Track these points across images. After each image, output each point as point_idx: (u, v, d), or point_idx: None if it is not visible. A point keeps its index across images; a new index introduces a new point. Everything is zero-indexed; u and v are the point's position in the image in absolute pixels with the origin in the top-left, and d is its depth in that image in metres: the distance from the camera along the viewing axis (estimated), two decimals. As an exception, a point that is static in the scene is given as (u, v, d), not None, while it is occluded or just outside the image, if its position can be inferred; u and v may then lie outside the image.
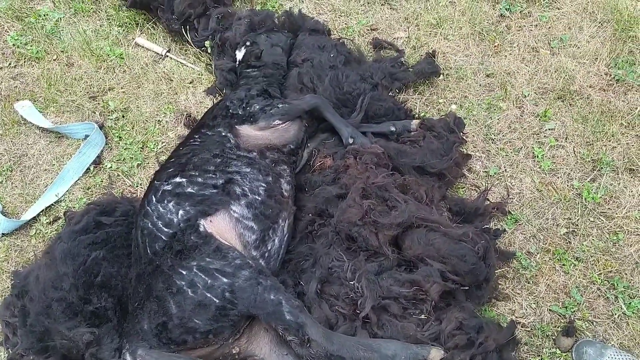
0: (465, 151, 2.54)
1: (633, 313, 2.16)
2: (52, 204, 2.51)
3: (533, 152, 2.55)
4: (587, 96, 2.69)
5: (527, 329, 2.15)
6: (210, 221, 1.97)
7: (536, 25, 2.96)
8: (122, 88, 2.86)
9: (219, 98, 2.73)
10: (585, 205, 2.40)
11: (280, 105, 2.35)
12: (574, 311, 2.18)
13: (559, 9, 3.01)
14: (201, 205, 1.98)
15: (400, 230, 2.05)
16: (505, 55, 2.86)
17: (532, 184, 2.48)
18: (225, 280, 1.81)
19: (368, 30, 3.00)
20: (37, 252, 2.31)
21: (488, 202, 2.37)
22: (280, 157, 2.28)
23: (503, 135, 2.62)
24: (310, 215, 2.22)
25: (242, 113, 2.32)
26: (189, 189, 2.02)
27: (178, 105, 2.80)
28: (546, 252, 2.30)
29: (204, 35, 2.92)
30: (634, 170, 2.49)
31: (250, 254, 2.00)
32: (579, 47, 2.86)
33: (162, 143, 2.68)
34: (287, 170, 2.27)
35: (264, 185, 2.12)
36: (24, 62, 2.95)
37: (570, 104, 2.69)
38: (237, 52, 2.76)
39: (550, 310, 2.19)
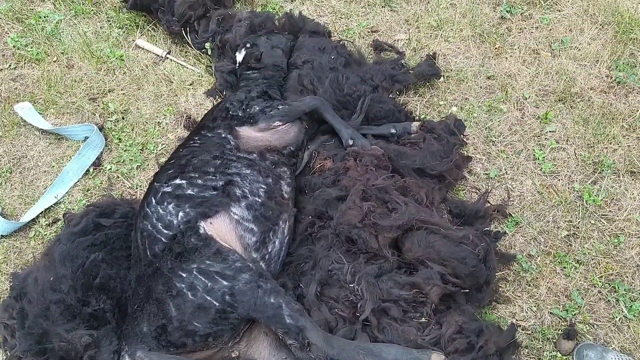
0: (465, 153, 2.53)
1: (634, 316, 2.15)
2: (52, 206, 2.50)
3: (534, 155, 2.55)
4: (588, 98, 2.69)
5: (527, 332, 2.14)
6: (211, 223, 1.96)
7: (537, 28, 2.95)
8: (122, 90, 2.86)
9: (219, 100, 2.73)
10: (586, 207, 2.39)
11: (280, 107, 2.34)
12: (575, 314, 2.17)
13: (559, 11, 3.01)
14: (201, 207, 1.97)
15: (400, 232, 2.05)
16: (506, 58, 2.85)
17: (533, 187, 2.47)
18: (225, 283, 1.81)
19: (368, 32, 2.99)
20: (36, 254, 2.30)
21: (488, 205, 2.36)
22: (280, 158, 2.27)
23: (504, 138, 2.61)
24: (310, 217, 2.22)
25: (242, 115, 2.32)
26: (189, 191, 2.02)
27: (178, 107, 2.79)
28: (547, 255, 2.29)
29: (204, 37, 2.92)
30: (635, 172, 2.48)
31: (251, 256, 2.00)
32: (580, 50, 2.85)
33: (162, 145, 2.68)
34: (287, 172, 2.26)
35: (264, 187, 2.11)
36: (24, 63, 2.95)
37: (571, 106, 2.68)
38: (237, 54, 2.75)
39: (551, 313, 2.18)
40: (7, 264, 2.36)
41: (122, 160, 2.64)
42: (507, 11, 2.99)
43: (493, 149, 2.58)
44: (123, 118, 2.77)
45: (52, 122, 2.75)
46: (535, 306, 2.19)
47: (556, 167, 2.51)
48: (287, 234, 2.15)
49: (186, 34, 2.93)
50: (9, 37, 3.01)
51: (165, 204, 1.99)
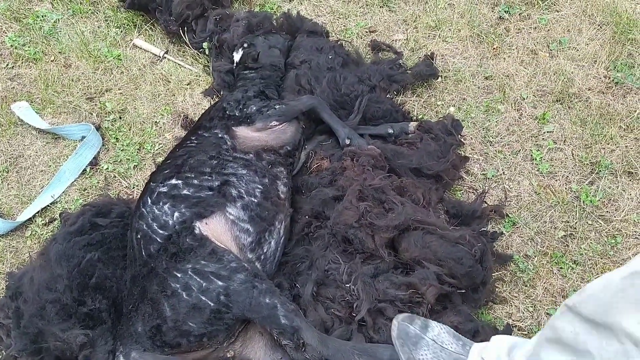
0: (463, 153, 2.53)
1: (631, 317, 2.14)
2: (48, 205, 2.50)
3: (531, 155, 2.54)
4: (586, 99, 2.68)
5: (524, 333, 2.13)
6: (206, 223, 1.96)
7: (535, 28, 2.95)
8: (119, 89, 2.85)
9: (216, 99, 2.72)
10: (584, 208, 2.39)
11: (277, 107, 2.34)
12: (572, 315, 2.16)
13: (558, 11, 3.00)
14: (197, 207, 1.97)
15: (396, 232, 2.04)
16: (504, 58, 2.85)
17: (530, 187, 2.46)
18: (220, 283, 1.80)
19: (366, 32, 2.99)
20: (32, 254, 2.29)
21: (485, 205, 2.36)
22: (277, 158, 2.27)
23: (501, 138, 2.60)
24: (306, 217, 2.21)
25: (238, 114, 2.31)
26: (185, 191, 2.01)
27: (175, 107, 2.79)
28: (544, 255, 2.29)
29: (202, 36, 2.91)
30: (632, 173, 2.48)
31: (246, 256, 1.99)
32: (578, 50, 2.85)
33: (159, 144, 2.67)
34: (283, 172, 2.26)
35: (260, 187, 2.11)
36: (22, 63, 2.95)
37: (569, 107, 2.68)
38: (234, 53, 2.75)
39: (547, 313, 2.17)
40: (3, 264, 2.36)
41: (119, 160, 2.63)
42: (505, 11, 2.99)
43: (490, 149, 2.57)
44: (120, 117, 2.76)
45: (49, 122, 2.75)
46: (531, 307, 2.18)
47: (553, 168, 2.51)
48: (283, 234, 2.15)
49: (184, 34, 2.93)
50: (6, 36, 3.01)
51: (161, 204, 1.99)
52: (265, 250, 2.05)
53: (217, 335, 1.82)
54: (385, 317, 1.92)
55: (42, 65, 2.92)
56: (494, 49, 2.88)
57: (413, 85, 2.76)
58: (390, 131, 2.47)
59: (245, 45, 2.71)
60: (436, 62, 2.81)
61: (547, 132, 2.60)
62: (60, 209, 2.49)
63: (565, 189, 2.45)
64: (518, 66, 2.82)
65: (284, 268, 2.14)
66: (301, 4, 3.12)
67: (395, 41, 2.94)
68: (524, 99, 2.70)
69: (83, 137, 2.63)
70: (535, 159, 2.52)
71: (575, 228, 2.34)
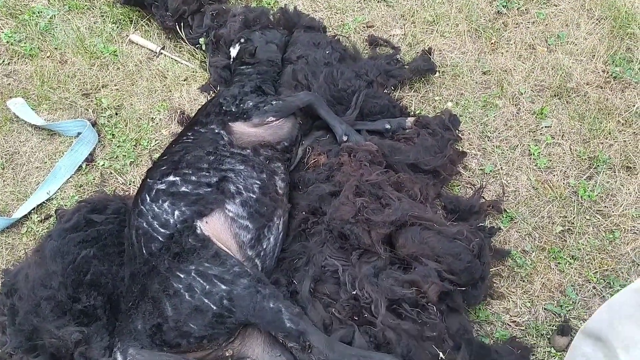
0: (460, 149, 2.52)
1: (629, 312, 2.14)
2: (44, 202, 2.49)
3: (529, 150, 2.53)
4: (584, 94, 2.67)
5: (521, 328, 2.13)
6: (207, 222, 1.94)
7: (533, 22, 2.93)
8: (115, 85, 2.84)
9: (213, 95, 2.71)
10: (582, 203, 2.38)
11: (274, 102, 2.33)
12: (569, 310, 2.16)
13: (556, 5, 2.99)
14: (196, 205, 1.96)
15: (393, 228, 2.03)
16: (502, 53, 2.84)
17: (528, 182, 2.45)
18: (223, 287, 1.79)
19: (364, 27, 2.98)
20: (27, 250, 2.28)
21: (483, 200, 2.35)
22: (274, 154, 2.25)
23: (499, 133, 2.59)
24: (303, 213, 2.20)
25: (235, 110, 2.30)
26: (183, 188, 2.00)
27: (172, 103, 2.78)
28: (541, 251, 2.28)
29: (199, 32, 2.89)
30: (630, 168, 2.47)
31: (246, 253, 1.99)
32: (576, 45, 2.84)
33: (156, 141, 2.66)
34: (281, 168, 2.24)
35: (258, 182, 2.10)
36: (18, 59, 2.93)
37: (567, 102, 2.67)
38: (231, 49, 2.74)
39: (545, 309, 2.17)
40: (-1, 261, 2.36)
41: (115, 156, 2.62)
42: (503, 6, 2.97)
43: (488, 144, 2.56)
44: (116, 114, 2.75)
45: (45, 118, 2.74)
46: (529, 302, 2.18)
47: (551, 163, 2.50)
48: (281, 230, 2.14)
49: (180, 29, 2.91)
50: (2, 32, 2.99)
51: (160, 201, 1.97)
52: (264, 247, 2.05)
53: (218, 338, 1.81)
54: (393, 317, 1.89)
55: (38, 62, 2.90)
56: (491, 43, 2.86)
57: (410, 81, 2.75)
58: (388, 126, 2.46)
59: (242, 40, 2.70)
60: (434, 57, 2.80)
61: (545, 127, 2.59)
62: (56, 205, 2.47)
63: (563, 184, 2.44)
64: (516, 61, 2.80)
65: (281, 264, 2.13)
66: (298, -1, 3.10)
67: (393, 36, 2.92)
68: (522, 93, 2.69)
69: (79, 134, 2.62)
70: (533, 154, 2.51)
71: (573, 223, 2.33)
